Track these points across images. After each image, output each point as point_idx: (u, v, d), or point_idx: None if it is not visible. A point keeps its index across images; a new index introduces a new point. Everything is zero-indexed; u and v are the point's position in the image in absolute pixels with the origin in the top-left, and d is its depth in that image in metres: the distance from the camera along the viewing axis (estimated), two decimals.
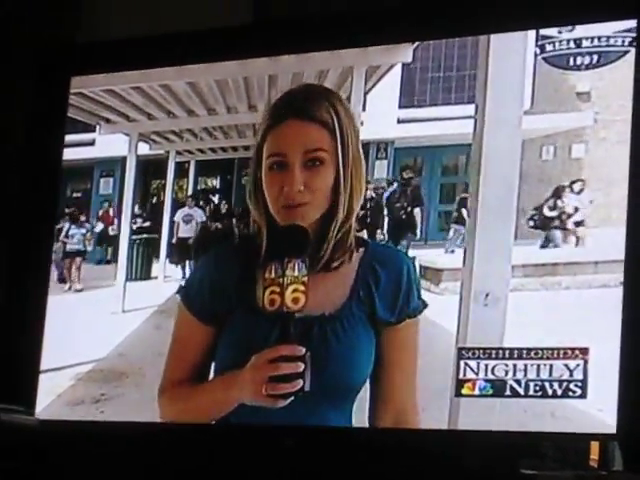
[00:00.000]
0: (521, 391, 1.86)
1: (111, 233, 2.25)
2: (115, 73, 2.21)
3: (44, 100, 2.29)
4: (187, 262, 2.12)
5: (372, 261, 1.78)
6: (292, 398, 1.72)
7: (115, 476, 2.06)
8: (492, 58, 1.87)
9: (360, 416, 1.80)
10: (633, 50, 1.84)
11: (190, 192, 2.16)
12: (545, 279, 1.86)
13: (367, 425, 1.81)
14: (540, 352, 1.85)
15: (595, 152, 1.85)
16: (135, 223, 2.20)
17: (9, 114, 2.36)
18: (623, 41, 1.85)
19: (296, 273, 1.71)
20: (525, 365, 1.86)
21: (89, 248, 2.27)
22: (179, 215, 2.16)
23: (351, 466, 1.94)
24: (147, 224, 2.19)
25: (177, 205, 2.16)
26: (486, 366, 1.88)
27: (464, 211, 1.89)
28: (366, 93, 1.97)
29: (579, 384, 1.82)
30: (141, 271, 2.19)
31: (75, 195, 2.31)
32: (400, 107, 1.99)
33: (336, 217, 1.73)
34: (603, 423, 1.78)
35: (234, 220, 2.05)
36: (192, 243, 2.12)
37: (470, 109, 1.90)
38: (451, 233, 1.91)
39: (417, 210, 1.95)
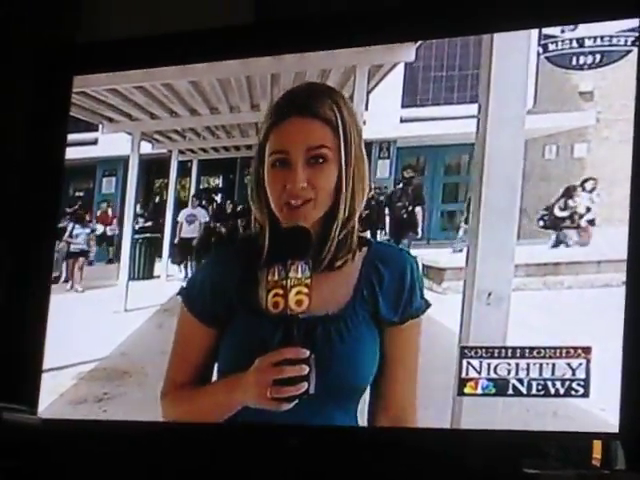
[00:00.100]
0: (524, 390, 1.86)
1: (109, 233, 2.25)
2: (117, 72, 2.21)
3: (45, 100, 2.28)
4: (189, 262, 2.11)
5: (375, 260, 1.78)
6: (296, 401, 1.72)
7: (117, 475, 2.06)
8: (495, 57, 1.87)
9: (365, 416, 1.81)
10: (636, 49, 1.84)
11: (193, 192, 2.16)
12: (547, 278, 1.86)
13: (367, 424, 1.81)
14: (542, 351, 1.85)
15: (598, 151, 1.85)
16: (137, 223, 2.20)
17: (9, 114, 2.35)
18: (626, 40, 1.85)
19: (299, 275, 1.70)
20: (528, 364, 1.86)
21: (93, 248, 2.27)
22: (182, 215, 2.15)
23: (353, 465, 1.94)
24: (149, 224, 2.18)
25: (180, 204, 2.16)
26: (489, 365, 1.88)
27: None
28: (369, 92, 1.96)
29: (582, 383, 1.82)
30: (143, 270, 2.19)
31: (77, 194, 2.30)
32: (403, 106, 1.99)
33: (338, 216, 1.73)
34: (605, 422, 1.78)
35: (239, 220, 2.04)
36: (195, 244, 2.12)
37: (473, 108, 1.90)
38: (461, 232, 1.91)
39: (418, 209, 1.95)
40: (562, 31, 1.88)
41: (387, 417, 1.80)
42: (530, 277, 1.86)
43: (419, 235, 1.97)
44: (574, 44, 1.88)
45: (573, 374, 1.83)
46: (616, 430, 1.77)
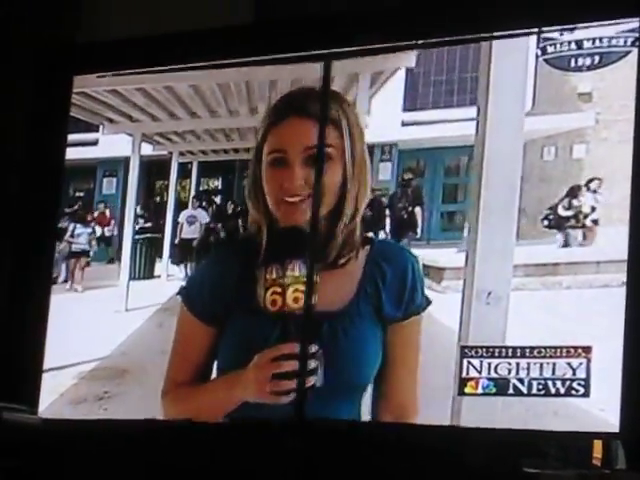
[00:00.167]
0: (524, 390, 1.87)
1: (107, 234, 2.26)
2: (117, 73, 2.21)
3: (45, 100, 2.28)
4: (189, 262, 2.13)
5: (378, 258, 1.82)
6: (294, 395, 1.77)
7: (118, 474, 2.06)
8: (494, 60, 1.88)
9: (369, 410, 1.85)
10: (635, 50, 1.84)
11: (193, 193, 2.17)
12: (546, 278, 1.86)
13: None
14: (543, 351, 1.86)
15: (596, 152, 1.85)
16: (138, 223, 2.21)
17: (9, 114, 2.35)
18: (625, 41, 1.85)
19: (297, 273, 1.77)
20: (528, 364, 1.86)
21: (94, 248, 2.28)
22: (183, 216, 2.17)
23: (350, 461, 1.95)
24: (149, 224, 2.19)
25: (180, 205, 2.17)
26: (489, 364, 1.89)
27: None
28: (371, 97, 1.98)
29: (582, 383, 1.83)
30: (144, 270, 2.20)
31: (78, 195, 2.31)
32: (404, 110, 2.00)
33: (343, 215, 1.78)
34: (606, 422, 1.79)
35: (238, 221, 2.06)
36: (195, 244, 2.13)
37: (473, 111, 1.91)
38: (465, 232, 1.92)
39: (418, 209, 1.96)
40: (561, 34, 1.88)
41: (388, 414, 1.84)
42: (531, 277, 1.86)
43: (418, 235, 1.97)
44: (572, 46, 1.88)
45: (574, 374, 1.83)
46: (616, 430, 1.77)
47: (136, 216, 2.19)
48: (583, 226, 1.85)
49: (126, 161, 2.23)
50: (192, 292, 1.88)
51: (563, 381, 1.84)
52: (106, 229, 2.26)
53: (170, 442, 2.04)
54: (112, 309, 2.18)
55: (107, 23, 2.40)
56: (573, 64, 1.88)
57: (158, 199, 2.20)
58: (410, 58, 1.93)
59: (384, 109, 1.98)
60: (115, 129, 2.26)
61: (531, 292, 1.86)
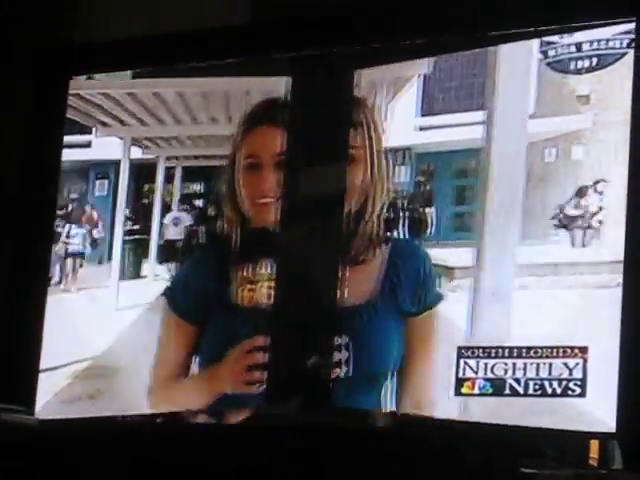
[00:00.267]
0: (520, 390, 1.86)
1: (96, 236, 2.31)
2: (108, 76, 2.27)
3: (44, 100, 2.29)
4: (174, 263, 2.19)
5: (395, 256, 1.93)
6: (265, 385, 1.92)
7: (117, 472, 2.06)
8: (499, 65, 1.92)
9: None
10: (631, 52, 1.85)
11: (178, 196, 2.24)
12: (549, 278, 1.87)
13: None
14: (539, 351, 1.85)
15: (594, 154, 1.86)
16: (126, 225, 2.27)
17: (8, 114, 2.36)
18: (621, 43, 1.86)
19: (267, 271, 1.94)
20: (524, 364, 1.86)
21: (88, 249, 2.31)
22: (168, 218, 2.23)
23: (345, 459, 1.95)
24: (137, 226, 2.25)
25: (166, 208, 2.24)
26: (485, 365, 1.89)
27: None
28: (388, 103, 2.04)
29: (578, 383, 1.83)
30: (132, 271, 2.25)
31: (73, 196, 2.34)
32: (418, 115, 2.04)
33: (364, 213, 1.91)
34: (602, 422, 1.78)
35: (217, 224, 2.14)
36: (179, 246, 2.20)
37: (481, 115, 1.94)
38: (474, 232, 1.94)
39: (429, 210, 1.98)
40: (561, 37, 1.89)
41: (407, 408, 1.90)
42: (534, 277, 1.87)
43: (430, 234, 1.98)
44: (572, 49, 1.89)
45: (570, 374, 1.83)
46: (613, 430, 1.76)
47: (126, 218, 2.26)
48: (589, 226, 1.85)
49: (117, 164, 2.29)
50: (175, 292, 2.04)
51: (559, 381, 1.84)
52: (94, 231, 2.31)
53: (170, 440, 2.05)
54: (103, 309, 2.23)
55: (104, 23, 2.40)
56: (573, 67, 1.89)
57: (146, 202, 2.25)
58: (427, 65, 1.99)
59: (400, 114, 2.03)
60: (107, 132, 2.31)
61: (534, 291, 1.87)
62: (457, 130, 1.99)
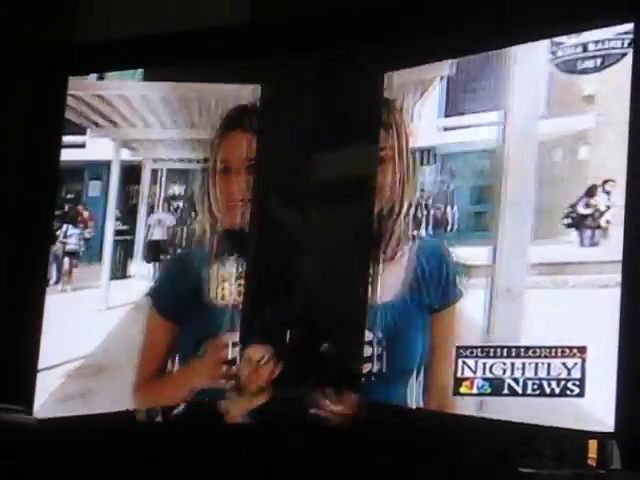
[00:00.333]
0: (519, 390, 1.86)
1: (87, 236, 2.36)
2: (98, 77, 2.32)
3: (43, 100, 2.29)
4: (158, 263, 2.26)
5: (421, 253, 1.99)
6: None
7: (117, 469, 2.07)
8: (514, 66, 1.94)
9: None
10: (630, 51, 1.85)
11: (162, 197, 2.29)
12: (556, 277, 1.87)
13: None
14: (538, 350, 1.85)
15: (601, 153, 1.85)
16: (116, 225, 2.33)
17: (8, 114, 2.36)
18: (622, 43, 1.86)
19: (238, 270, 2.06)
20: (523, 364, 1.86)
21: (82, 249, 2.36)
22: (152, 218, 2.28)
23: (342, 457, 1.95)
24: (126, 227, 2.31)
25: (151, 209, 2.30)
26: (484, 364, 1.89)
27: None
28: (414, 104, 2.07)
29: (577, 383, 1.82)
30: (121, 270, 2.30)
31: (69, 196, 2.37)
32: (440, 116, 2.06)
33: (393, 212, 1.98)
34: (601, 422, 1.78)
35: (197, 225, 2.21)
36: (162, 246, 2.27)
37: (497, 116, 1.96)
38: (490, 231, 1.95)
39: (451, 209, 2.00)
40: (569, 37, 1.90)
41: (431, 403, 1.95)
42: (544, 276, 1.88)
43: (451, 233, 2.00)
44: (579, 49, 1.89)
45: (568, 374, 1.83)
46: (612, 429, 1.76)
47: (116, 219, 2.32)
48: (598, 226, 1.84)
49: (109, 165, 2.34)
50: (158, 292, 2.15)
51: (558, 381, 1.83)
52: (86, 231, 2.35)
53: (169, 436, 2.08)
54: (95, 308, 2.29)
55: (103, 23, 2.40)
56: (579, 67, 1.89)
57: (134, 203, 2.31)
58: (449, 66, 2.02)
59: (424, 115, 2.06)
60: (100, 133, 2.35)
61: (543, 291, 1.87)
62: (476, 130, 2.01)
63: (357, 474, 1.94)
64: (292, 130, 2.12)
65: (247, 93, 2.16)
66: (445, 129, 2.05)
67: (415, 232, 2.00)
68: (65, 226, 2.35)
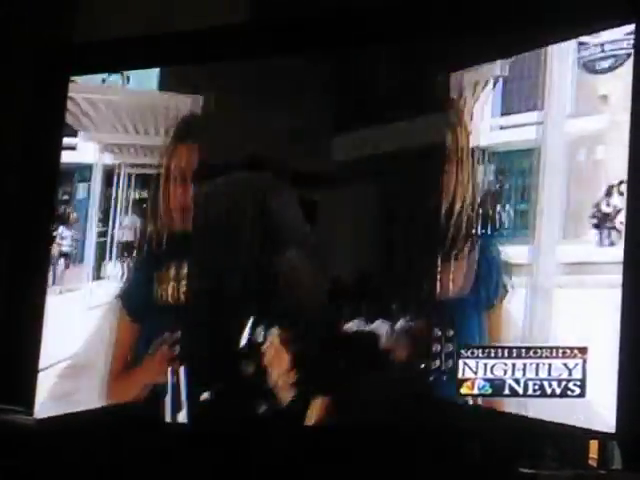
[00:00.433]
0: (520, 390, 1.86)
1: (77, 237, 2.38)
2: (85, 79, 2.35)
3: (43, 100, 2.29)
4: (128, 265, 2.32)
5: (478, 251, 1.99)
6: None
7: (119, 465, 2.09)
8: (549, 66, 1.95)
9: None
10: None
11: (131, 201, 2.35)
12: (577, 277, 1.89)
13: None
14: (539, 351, 1.86)
15: (613, 154, 1.85)
16: (98, 227, 2.38)
17: (8, 114, 2.36)
18: (629, 43, 1.86)
19: (184, 271, 2.19)
20: (524, 364, 1.86)
21: (75, 250, 2.38)
22: (123, 221, 2.34)
23: (341, 457, 1.95)
24: (104, 229, 2.36)
25: (123, 212, 2.35)
26: (485, 365, 1.89)
27: None
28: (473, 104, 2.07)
29: (578, 383, 1.82)
30: (99, 271, 2.36)
31: (64, 198, 2.39)
32: (495, 115, 2.05)
33: (454, 212, 2.00)
34: (602, 422, 1.78)
35: (151, 228, 2.29)
36: (131, 248, 2.33)
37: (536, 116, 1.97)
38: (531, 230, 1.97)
39: (499, 208, 2.01)
40: (592, 37, 1.89)
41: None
42: (570, 275, 1.89)
43: (500, 231, 2.00)
44: (598, 49, 1.89)
45: (570, 374, 1.83)
46: (613, 430, 1.76)
47: (98, 221, 2.37)
48: (614, 227, 1.84)
49: (92, 168, 2.38)
50: (125, 293, 2.26)
51: (559, 382, 1.84)
52: (73, 232, 2.38)
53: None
54: (80, 309, 2.35)
55: (103, 23, 2.40)
56: (598, 66, 1.89)
57: (111, 206, 2.36)
58: (504, 67, 2.02)
59: (481, 115, 2.06)
60: (88, 136, 2.38)
61: (570, 290, 1.88)
62: (523, 130, 2.01)
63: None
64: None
65: (196, 103, 2.25)
66: (501, 128, 2.04)
67: (473, 230, 2.01)
68: (61, 228, 2.37)
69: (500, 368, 1.88)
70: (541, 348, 1.86)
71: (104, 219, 2.35)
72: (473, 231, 2.00)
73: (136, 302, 2.25)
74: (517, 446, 1.85)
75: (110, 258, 2.32)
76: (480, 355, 1.90)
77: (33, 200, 2.32)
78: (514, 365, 1.87)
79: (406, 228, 2.11)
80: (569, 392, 1.83)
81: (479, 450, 1.89)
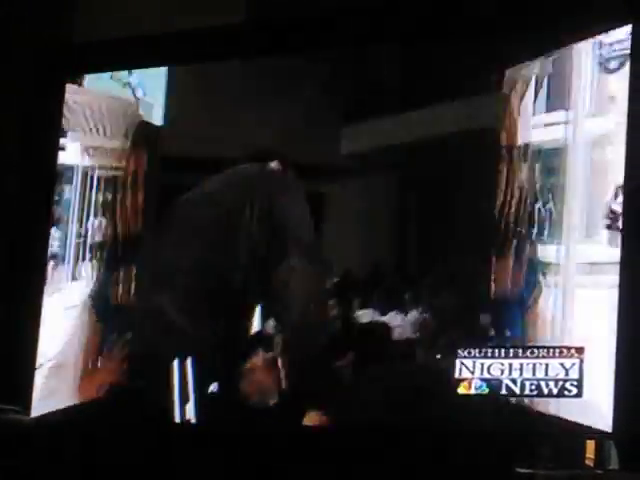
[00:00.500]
0: (517, 390, 1.86)
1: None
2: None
3: (43, 100, 2.30)
4: (98, 266, 2.34)
5: (519, 251, 1.98)
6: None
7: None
8: (572, 64, 1.95)
9: None
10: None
11: (100, 203, 2.36)
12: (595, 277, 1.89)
13: None
14: (536, 351, 1.86)
15: (620, 154, 1.85)
16: (76, 228, 2.37)
17: (8, 114, 2.36)
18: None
19: (134, 272, 2.25)
20: (521, 364, 1.87)
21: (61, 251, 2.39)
22: (94, 222, 2.35)
23: (340, 458, 1.95)
24: (81, 230, 2.36)
25: (95, 214, 2.36)
26: (482, 365, 1.89)
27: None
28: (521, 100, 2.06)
29: (575, 383, 1.83)
30: (76, 272, 2.37)
31: (56, 198, 2.39)
32: (540, 112, 2.03)
33: (506, 209, 2.00)
34: (599, 422, 1.78)
35: (110, 230, 2.33)
36: (101, 249, 2.35)
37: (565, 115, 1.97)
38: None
39: (538, 206, 2.00)
40: (607, 36, 1.89)
41: None
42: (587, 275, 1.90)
43: (539, 229, 1.99)
44: (611, 48, 1.89)
45: (566, 374, 1.83)
46: (609, 430, 1.76)
47: (78, 222, 2.37)
48: (618, 227, 1.84)
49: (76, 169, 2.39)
50: (94, 293, 2.31)
51: (556, 381, 1.84)
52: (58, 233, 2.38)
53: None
54: (60, 309, 2.36)
55: (101, 23, 2.40)
56: (609, 66, 1.89)
57: (87, 207, 2.36)
58: (548, 65, 2.00)
59: (528, 111, 2.05)
60: (74, 138, 2.38)
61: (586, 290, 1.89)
62: (555, 129, 2.00)
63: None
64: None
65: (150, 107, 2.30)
66: (547, 125, 2.02)
67: (519, 229, 2.00)
68: (54, 228, 2.37)
69: (497, 368, 1.88)
70: (538, 348, 1.86)
71: (80, 220, 2.36)
72: (518, 229, 1.99)
73: (100, 303, 2.30)
74: (515, 446, 1.85)
75: (83, 259, 2.35)
76: (477, 355, 1.90)
77: (32, 201, 2.32)
78: (511, 365, 1.87)
79: (455, 227, 2.10)
80: (566, 392, 1.83)
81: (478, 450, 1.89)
